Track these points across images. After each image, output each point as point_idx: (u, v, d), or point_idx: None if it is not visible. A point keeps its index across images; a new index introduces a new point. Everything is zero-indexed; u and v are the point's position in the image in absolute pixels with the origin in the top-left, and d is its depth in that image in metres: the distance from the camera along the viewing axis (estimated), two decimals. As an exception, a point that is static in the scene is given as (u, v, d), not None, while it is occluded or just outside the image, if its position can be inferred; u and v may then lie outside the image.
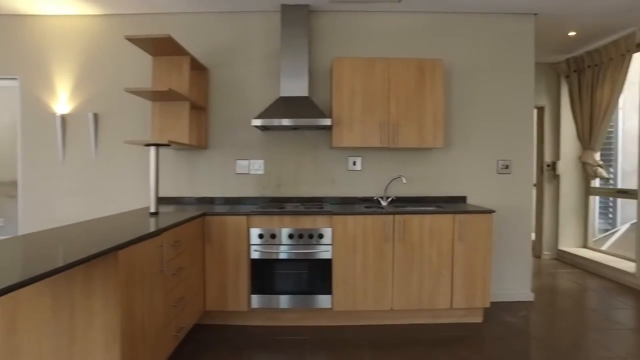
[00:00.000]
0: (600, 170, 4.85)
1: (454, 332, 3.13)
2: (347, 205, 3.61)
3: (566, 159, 5.39)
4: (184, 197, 3.73)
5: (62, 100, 3.68)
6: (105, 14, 3.67)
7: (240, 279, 3.16)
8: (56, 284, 1.77)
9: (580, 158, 5.07)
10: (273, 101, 3.51)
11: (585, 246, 5.41)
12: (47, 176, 3.71)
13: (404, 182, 3.68)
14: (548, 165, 5.49)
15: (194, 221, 2.95)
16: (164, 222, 2.56)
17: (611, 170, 5.11)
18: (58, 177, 3.71)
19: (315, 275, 3.17)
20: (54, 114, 3.67)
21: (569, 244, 5.44)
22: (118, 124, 3.70)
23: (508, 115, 3.77)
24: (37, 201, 3.70)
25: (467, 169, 3.77)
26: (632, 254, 4.31)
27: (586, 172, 5.05)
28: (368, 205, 3.60)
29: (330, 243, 3.16)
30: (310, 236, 3.16)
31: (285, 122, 3.26)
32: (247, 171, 3.73)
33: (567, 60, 5.16)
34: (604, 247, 5.18)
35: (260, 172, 3.72)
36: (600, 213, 5.43)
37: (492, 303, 3.48)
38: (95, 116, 3.68)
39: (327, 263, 3.16)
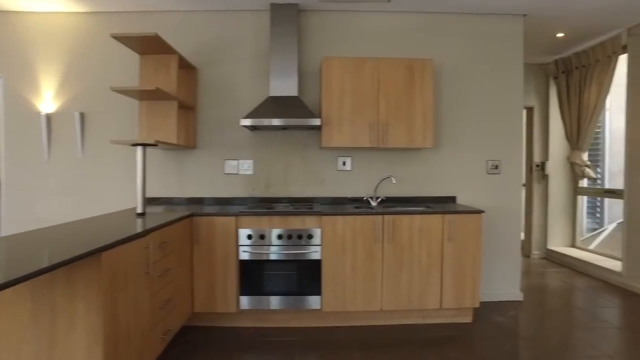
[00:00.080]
0: (587, 170, 4.90)
1: (444, 332, 3.13)
2: (337, 205, 3.59)
3: (555, 159, 5.44)
4: (173, 198, 3.68)
5: (47, 99, 3.62)
6: (92, 12, 3.62)
7: (228, 280, 3.13)
8: (37, 286, 1.73)
9: (568, 158, 5.12)
10: (262, 101, 3.48)
11: (573, 245, 5.46)
12: (31, 176, 3.64)
13: (394, 182, 3.67)
14: (537, 166, 5.54)
15: (182, 222, 2.92)
16: (151, 223, 2.52)
17: (598, 170, 5.17)
18: (43, 177, 3.64)
19: (305, 276, 3.15)
20: (38, 113, 3.60)
21: (558, 244, 5.49)
22: (105, 123, 3.64)
23: (497, 115, 3.79)
24: (21, 201, 3.63)
25: (456, 169, 3.78)
26: (619, 253, 4.36)
27: (574, 172, 5.10)
28: (358, 205, 3.59)
29: (319, 243, 3.14)
30: (300, 237, 3.14)
31: (275, 122, 3.24)
32: (236, 171, 3.69)
33: (556, 62, 5.21)
34: (591, 247, 5.24)
35: (249, 172, 3.69)
36: (588, 213, 5.49)
37: (482, 303, 3.50)
38: (82, 115, 3.62)
39: (317, 264, 3.14)
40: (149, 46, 3.09)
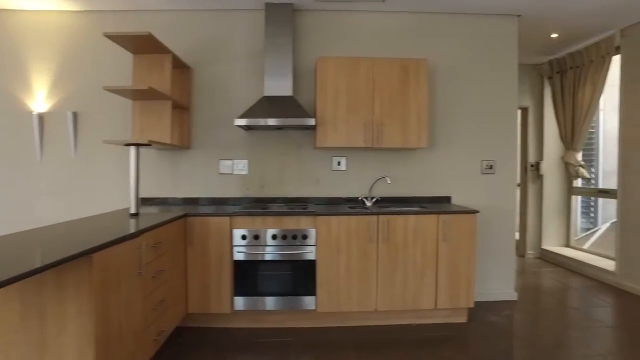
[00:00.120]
0: (582, 170, 4.92)
1: (439, 333, 3.13)
2: (332, 205, 3.59)
3: (549, 159, 5.46)
4: (167, 198, 3.66)
5: (40, 98, 3.58)
6: (85, 10, 3.59)
7: (223, 281, 3.11)
8: (26, 288, 1.71)
9: (562, 158, 5.15)
10: (257, 100, 3.47)
11: (567, 245, 5.49)
12: (23, 176, 3.60)
13: (389, 182, 3.67)
14: (532, 166, 5.56)
15: (176, 222, 2.90)
16: (144, 223, 2.50)
17: (592, 170, 5.19)
18: (35, 177, 3.61)
19: (299, 277, 3.14)
20: (30, 112, 3.57)
21: (552, 243, 5.51)
22: (98, 123, 3.61)
23: (492, 115, 3.80)
24: (13, 202, 3.60)
25: (451, 169, 3.78)
26: (612, 252, 4.38)
27: (568, 172, 5.12)
28: (352, 205, 3.59)
29: (314, 244, 3.13)
30: (294, 237, 3.13)
31: (270, 121, 3.23)
32: (231, 171, 3.68)
33: (550, 62, 5.23)
34: (585, 246, 5.26)
35: (244, 172, 3.68)
36: (582, 212, 5.51)
37: (477, 303, 3.50)
38: (75, 115, 3.59)
39: (311, 264, 3.14)
40: (142, 45, 3.07)
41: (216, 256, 3.11)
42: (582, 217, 5.52)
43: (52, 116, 3.60)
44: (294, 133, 3.68)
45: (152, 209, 3.34)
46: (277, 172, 3.69)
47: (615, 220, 4.36)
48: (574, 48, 4.80)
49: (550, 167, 5.45)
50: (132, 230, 2.27)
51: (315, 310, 3.15)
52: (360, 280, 3.16)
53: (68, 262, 1.64)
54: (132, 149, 2.94)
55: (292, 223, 3.13)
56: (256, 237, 3.12)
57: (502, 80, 3.80)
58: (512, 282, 3.86)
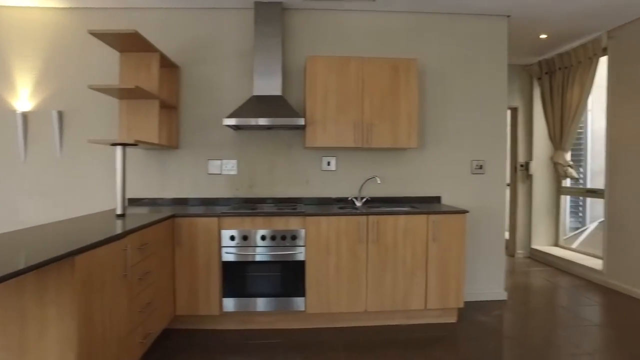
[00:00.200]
0: (570, 170, 4.97)
1: (429, 333, 3.13)
2: (322, 205, 3.57)
3: (539, 159, 5.50)
4: (155, 198, 3.61)
5: (23, 97, 3.51)
6: (71, 7, 3.52)
7: (211, 282, 3.08)
8: (5, 292, 1.66)
9: (551, 158, 5.19)
10: (246, 100, 3.43)
11: (556, 244, 5.53)
12: (6, 176, 3.53)
13: (379, 182, 3.66)
14: (521, 165, 5.59)
15: (163, 223, 2.85)
16: (130, 224, 2.46)
17: (581, 170, 5.24)
18: (19, 178, 3.53)
19: (289, 278, 3.11)
20: (14, 111, 3.49)
21: (542, 243, 5.55)
22: (85, 122, 3.55)
23: (482, 115, 3.81)
24: (-3, 203, 3.52)
25: (441, 169, 3.79)
26: (600, 251, 4.43)
27: (557, 172, 5.16)
28: (342, 205, 3.57)
29: (303, 244, 3.11)
30: (283, 238, 3.10)
31: (259, 121, 3.20)
32: (220, 171, 3.64)
33: (539, 63, 5.27)
34: (574, 245, 5.31)
35: (233, 172, 3.64)
36: (571, 212, 5.57)
37: (467, 302, 3.50)
38: (60, 114, 3.53)
39: (301, 265, 3.11)
40: (128, 43, 3.02)
41: (204, 257, 3.07)
42: (570, 217, 5.57)
43: (37, 115, 3.53)
44: (283, 133, 3.66)
45: (140, 210, 3.29)
46: (267, 172, 3.66)
47: (602, 219, 4.41)
48: (562, 49, 4.84)
49: (540, 167, 5.50)
50: (118, 231, 2.23)
51: (304, 311, 3.13)
52: (350, 281, 3.14)
53: (50, 265, 1.60)
54: (119, 149, 2.89)
55: (282, 223, 3.11)
56: (245, 237, 3.09)
57: (492, 81, 3.81)
58: (502, 282, 3.87)
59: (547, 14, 3.75)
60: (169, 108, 3.52)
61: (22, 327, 1.67)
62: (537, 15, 3.78)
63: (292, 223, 3.11)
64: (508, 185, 5.59)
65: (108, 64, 3.43)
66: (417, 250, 3.18)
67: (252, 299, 3.10)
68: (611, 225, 4.20)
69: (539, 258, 5.44)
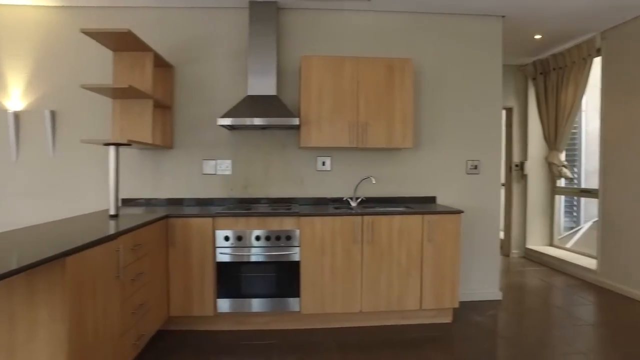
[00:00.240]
0: (565, 170, 4.99)
1: (424, 333, 3.12)
2: (317, 206, 3.56)
3: (533, 159, 5.52)
4: (150, 199, 3.59)
5: (15, 96, 3.48)
6: (64, 6, 3.49)
7: (205, 283, 3.06)
8: (-6, 294, 1.64)
9: (546, 158, 5.21)
10: (240, 100, 3.42)
11: (551, 244, 5.55)
12: (-1, 177, 3.49)
13: (374, 182, 3.65)
14: (516, 165, 5.61)
15: (157, 224, 2.83)
16: (123, 225, 2.44)
17: (575, 170, 5.27)
18: (10, 178, 3.50)
19: (283, 278, 3.10)
20: (5, 111, 3.46)
21: (536, 242, 5.57)
22: (77, 122, 3.52)
23: (477, 116, 3.81)
24: (-12, 203, 3.48)
25: (436, 169, 3.79)
26: (594, 251, 4.45)
27: (552, 172, 5.18)
28: (337, 205, 3.56)
29: (297, 245, 3.10)
30: (278, 238, 3.09)
31: (254, 121, 3.18)
32: (214, 171, 3.62)
33: (534, 63, 5.28)
34: (568, 245, 5.33)
35: (228, 172, 3.63)
36: (565, 212, 5.59)
37: (462, 303, 3.51)
38: (53, 113, 3.49)
39: (295, 265, 3.10)
40: (122, 43, 3.00)
41: (199, 258, 3.05)
42: (565, 217, 5.59)
43: (29, 115, 3.49)
44: (278, 133, 3.65)
45: (135, 210, 3.27)
46: (261, 172, 3.65)
47: (596, 219, 4.43)
48: (556, 50, 4.86)
49: (535, 167, 5.51)
50: (110, 232, 2.21)
51: (299, 312, 3.12)
52: (344, 282, 3.13)
53: (40, 266, 1.58)
54: (112, 149, 2.87)
55: (276, 224, 3.10)
56: (239, 238, 3.07)
57: (487, 81, 3.82)
58: (497, 282, 3.88)
59: (541, 15, 3.76)
60: (163, 108, 3.50)
61: (11, 329, 1.65)
62: (531, 16, 3.79)
63: (286, 223, 3.10)
64: (503, 185, 5.60)
65: (102, 64, 3.41)
66: (412, 250, 3.18)
67: (247, 299, 3.09)
68: (605, 225, 4.22)
69: (533, 258, 5.46)
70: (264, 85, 3.39)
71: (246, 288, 3.09)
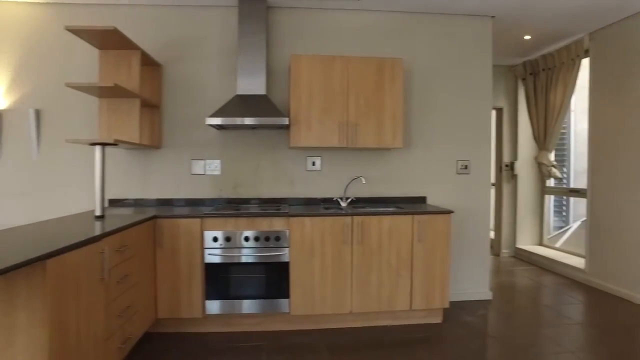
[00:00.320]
0: (554, 170, 5.02)
1: (414, 334, 3.12)
2: (307, 206, 3.53)
3: (523, 159, 5.55)
4: (138, 199, 3.54)
5: (-1, 95, 3.41)
6: (49, 2, 3.42)
7: (193, 285, 3.02)
8: (-29, 298, 1.59)
9: (536, 158, 5.24)
10: (229, 99, 3.38)
11: (541, 244, 5.59)
12: (-18, 177, 3.42)
13: (364, 182, 3.64)
14: (506, 166, 5.64)
15: (144, 224, 2.79)
16: (109, 226, 2.40)
17: (564, 170, 5.31)
18: (-5, 178, 3.43)
19: (272, 279, 3.07)
20: (-11, 110, 3.39)
21: (526, 242, 5.61)
22: (63, 121, 3.46)
23: (467, 116, 3.82)
24: (-29, 204, 3.41)
25: (426, 169, 3.78)
26: (583, 250, 4.48)
27: (541, 172, 5.21)
28: (327, 206, 3.54)
29: (287, 245, 3.07)
30: (267, 239, 3.06)
31: (242, 120, 3.15)
32: (203, 171, 3.58)
33: (524, 64, 5.31)
34: (557, 244, 5.37)
35: (217, 172, 3.59)
36: (555, 211, 5.63)
37: (452, 302, 3.51)
38: (37, 112, 3.43)
39: (285, 266, 3.08)
40: (108, 41, 2.95)
41: (187, 259, 3.01)
42: (554, 216, 5.63)
43: (12, 114, 3.42)
44: (267, 132, 3.62)
45: (123, 211, 3.22)
46: (251, 172, 3.62)
47: (585, 218, 4.46)
48: (546, 50, 4.89)
49: (525, 167, 5.54)
50: (95, 233, 2.17)
51: (289, 313, 3.09)
52: (334, 282, 3.12)
53: (19, 269, 1.53)
54: (98, 149, 2.82)
55: (265, 224, 3.07)
56: (228, 239, 3.04)
57: (477, 81, 3.83)
58: (487, 282, 3.89)
59: (530, 15, 3.78)
60: (151, 107, 3.45)
61: (-11, 335, 1.60)
62: (520, 16, 3.81)
63: (276, 224, 3.07)
64: (493, 185, 5.64)
65: (89, 62, 3.35)
66: (402, 250, 3.17)
67: (236, 301, 3.05)
68: (593, 224, 4.25)
69: (523, 257, 5.49)
70: (253, 84, 3.36)
71: (235, 289, 3.05)
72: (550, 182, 5.45)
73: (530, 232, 5.61)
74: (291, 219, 3.07)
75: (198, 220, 3.01)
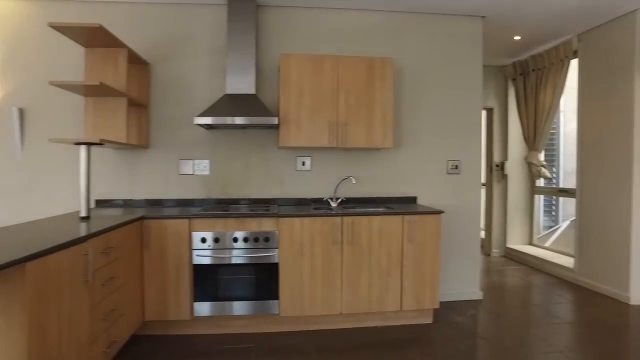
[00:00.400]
0: (543, 170, 5.05)
1: (404, 334, 3.11)
2: (297, 206, 3.51)
3: (514, 159, 5.57)
4: (126, 200, 3.48)
5: (-19, 94, 3.33)
6: None
7: (181, 286, 2.98)
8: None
9: (526, 158, 5.26)
10: (219, 98, 3.34)
11: (530, 243, 5.62)
12: (-36, 177, 3.34)
13: (354, 182, 3.62)
14: (497, 166, 5.66)
15: (130, 225, 2.74)
16: (94, 227, 2.35)
17: (554, 170, 5.34)
18: (-23, 179, 3.35)
19: (262, 281, 3.04)
20: (-29, 109, 3.31)
21: (517, 242, 5.63)
22: (48, 120, 3.39)
23: (458, 116, 3.82)
24: (-48, 205, 3.33)
25: (417, 169, 3.78)
26: (572, 249, 4.51)
27: (531, 172, 5.24)
28: (317, 206, 3.52)
29: (276, 246, 3.04)
30: (256, 239, 3.03)
31: (231, 120, 3.11)
32: (192, 171, 3.54)
33: (514, 64, 5.34)
34: (547, 244, 5.40)
35: (206, 172, 3.55)
36: (544, 211, 5.67)
37: (443, 303, 3.51)
38: (21, 111, 3.36)
39: (274, 267, 3.05)
40: (93, 38, 2.89)
41: (174, 260, 2.97)
42: (544, 216, 5.67)
43: (-4, 113, 3.35)
44: (257, 132, 3.58)
45: (110, 211, 3.16)
46: (240, 172, 3.58)
47: (574, 218, 4.49)
48: (535, 51, 4.91)
49: (515, 167, 5.57)
50: (79, 234, 2.12)
51: (278, 314, 3.06)
52: (324, 283, 3.09)
53: (-4, 272, 1.49)
54: (83, 148, 2.76)
55: (254, 225, 3.03)
56: (217, 240, 3.00)
57: (468, 81, 3.83)
58: (478, 282, 3.89)
59: (520, 16, 3.79)
60: (139, 106, 3.40)
61: (-35, 340, 1.55)
62: (510, 17, 3.82)
63: (265, 224, 3.04)
64: (484, 185, 5.65)
65: (75, 60, 3.29)
66: (393, 251, 3.15)
67: (224, 302, 3.02)
68: (582, 224, 4.28)
69: (514, 257, 5.51)
70: (242, 83, 3.33)
71: (224, 291, 3.02)
72: (540, 182, 5.48)
73: (520, 232, 5.64)
74: (281, 219, 3.04)
75: (186, 221, 2.97)
